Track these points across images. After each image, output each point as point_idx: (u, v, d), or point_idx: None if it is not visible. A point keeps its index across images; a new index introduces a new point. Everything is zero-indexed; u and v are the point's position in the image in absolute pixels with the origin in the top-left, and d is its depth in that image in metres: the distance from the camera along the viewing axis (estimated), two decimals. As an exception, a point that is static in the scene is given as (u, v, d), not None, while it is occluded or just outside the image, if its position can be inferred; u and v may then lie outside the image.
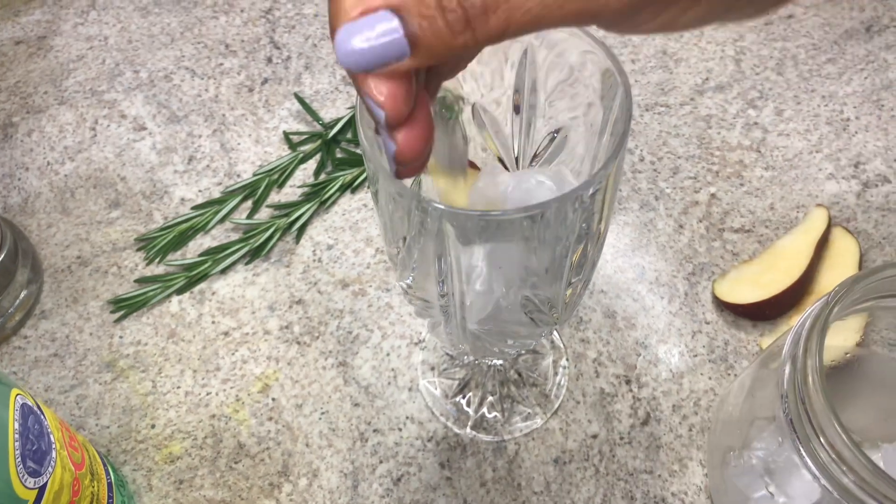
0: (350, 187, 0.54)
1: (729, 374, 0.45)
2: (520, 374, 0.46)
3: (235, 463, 0.43)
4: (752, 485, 0.35)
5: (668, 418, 0.44)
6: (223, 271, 0.51)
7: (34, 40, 0.65)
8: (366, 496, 0.42)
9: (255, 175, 0.55)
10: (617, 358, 0.46)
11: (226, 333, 0.48)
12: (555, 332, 0.47)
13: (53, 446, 0.33)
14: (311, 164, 0.56)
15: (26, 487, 0.30)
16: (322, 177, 0.55)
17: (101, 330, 0.49)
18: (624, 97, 0.26)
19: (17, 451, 0.30)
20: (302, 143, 0.57)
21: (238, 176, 0.56)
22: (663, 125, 0.57)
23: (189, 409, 0.45)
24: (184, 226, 0.52)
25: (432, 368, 0.46)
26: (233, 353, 0.47)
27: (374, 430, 0.44)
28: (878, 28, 0.62)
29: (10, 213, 0.54)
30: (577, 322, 0.48)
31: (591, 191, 0.24)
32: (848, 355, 0.38)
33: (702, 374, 0.45)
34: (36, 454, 0.31)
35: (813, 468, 0.29)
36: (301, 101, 0.58)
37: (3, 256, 0.48)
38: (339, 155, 0.56)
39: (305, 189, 0.54)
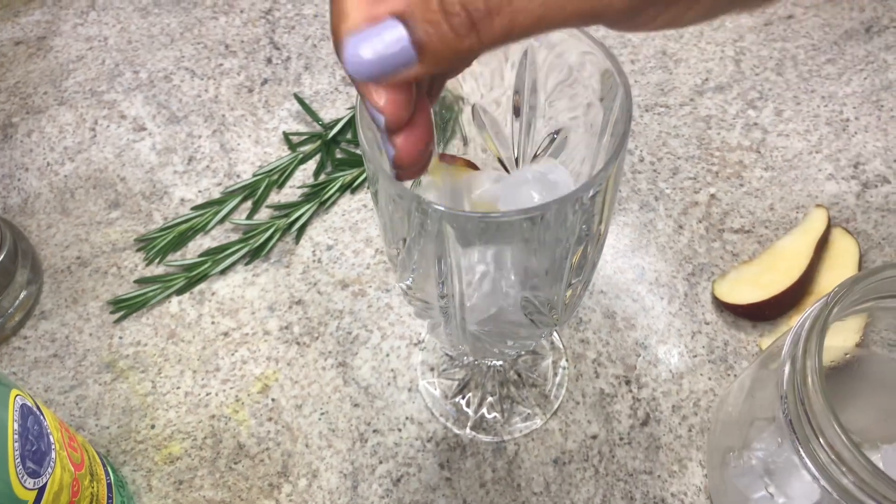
0: (350, 188, 0.54)
1: (728, 375, 0.45)
2: (519, 375, 0.46)
3: (235, 463, 0.43)
4: (751, 485, 0.35)
5: (668, 419, 0.44)
6: (223, 272, 0.51)
7: (34, 41, 0.65)
8: (365, 497, 0.42)
9: (254, 175, 0.55)
10: (616, 358, 0.46)
11: (225, 334, 0.48)
12: (554, 333, 0.47)
13: (53, 447, 0.33)
14: (311, 165, 0.56)
15: (26, 488, 0.30)
16: (322, 177, 0.55)
17: (100, 330, 0.49)
18: (624, 98, 0.26)
19: (17, 452, 0.30)
20: (302, 143, 0.57)
21: (238, 176, 0.56)
22: (663, 126, 0.57)
23: (189, 410, 0.45)
24: (183, 226, 0.52)
25: (432, 369, 0.46)
26: (232, 354, 0.47)
27: (374, 431, 0.44)
28: (878, 29, 0.62)
29: (9, 214, 0.54)
30: (576, 323, 0.48)
31: (591, 192, 0.24)
32: (847, 356, 0.38)
33: (701, 374, 0.45)
34: (35, 455, 0.31)
35: (812, 469, 0.29)
36: (301, 101, 0.58)
37: (2, 257, 0.48)
38: (338, 155, 0.56)
39: (305, 189, 0.54)
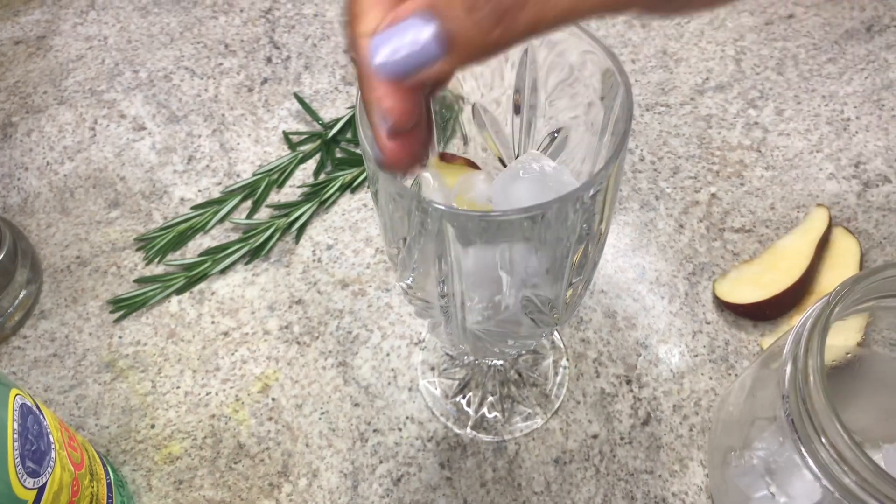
0: (350, 187, 0.54)
1: (729, 374, 0.45)
2: (520, 375, 0.46)
3: (235, 463, 0.43)
4: (752, 485, 0.35)
5: (669, 418, 0.44)
6: (223, 271, 0.51)
7: (33, 40, 0.65)
8: (366, 496, 0.42)
9: (254, 175, 0.55)
10: (617, 358, 0.46)
11: (225, 333, 0.48)
12: (555, 333, 0.47)
13: (53, 446, 0.33)
14: (311, 164, 0.56)
15: (25, 488, 0.30)
16: (322, 177, 0.55)
17: (100, 330, 0.49)
18: (625, 97, 0.26)
19: (17, 452, 0.30)
20: (301, 142, 0.57)
21: (238, 176, 0.56)
22: (663, 125, 0.57)
23: (189, 410, 0.45)
24: (183, 226, 0.52)
25: (432, 368, 0.46)
26: (232, 354, 0.47)
27: (374, 431, 0.44)
28: (879, 28, 0.62)
29: (9, 213, 0.54)
30: (577, 322, 0.48)
31: (591, 191, 0.24)
32: (849, 355, 0.38)
33: (702, 374, 0.45)
34: (35, 454, 0.31)
35: (814, 468, 0.29)
36: (301, 100, 0.58)
37: (2, 256, 0.47)
38: (338, 155, 0.56)
39: (305, 189, 0.54)
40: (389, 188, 0.25)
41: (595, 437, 0.43)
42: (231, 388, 0.46)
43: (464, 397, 0.45)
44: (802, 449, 0.29)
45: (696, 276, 0.49)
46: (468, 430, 0.44)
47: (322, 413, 0.45)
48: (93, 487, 0.36)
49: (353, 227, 0.53)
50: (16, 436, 0.30)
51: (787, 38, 0.62)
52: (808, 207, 0.52)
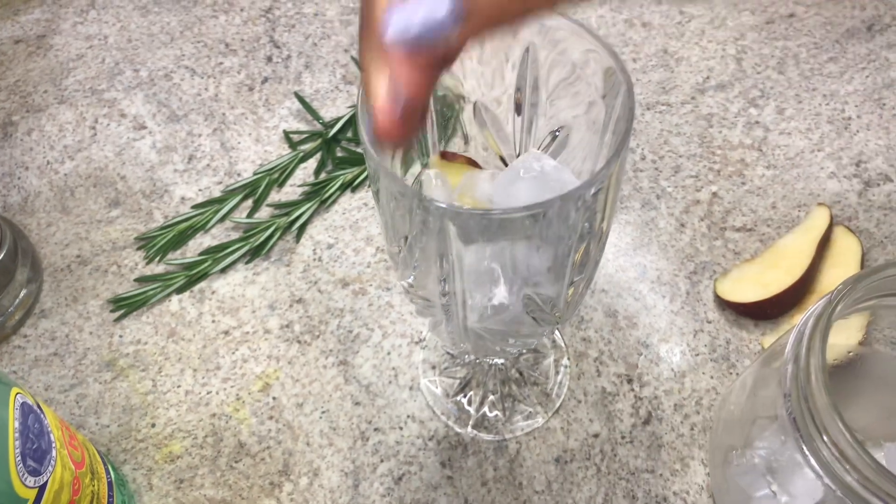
0: (350, 186, 0.54)
1: (731, 373, 0.45)
2: (521, 373, 0.46)
3: (236, 462, 0.43)
4: (754, 484, 0.35)
5: (670, 417, 0.44)
6: (223, 270, 0.51)
7: (34, 39, 0.65)
8: (367, 495, 0.42)
9: (255, 174, 0.55)
10: (618, 357, 0.46)
11: (226, 332, 0.48)
12: (556, 332, 0.47)
13: (53, 445, 0.33)
14: (312, 163, 0.56)
15: (26, 486, 0.30)
16: (322, 176, 0.55)
17: (100, 329, 0.49)
18: (626, 96, 0.26)
19: (18, 450, 0.30)
20: (302, 142, 0.56)
21: (238, 175, 0.56)
22: (665, 124, 0.57)
23: (189, 408, 0.45)
24: (184, 225, 0.52)
25: (433, 367, 0.46)
26: (233, 352, 0.47)
27: (375, 429, 0.44)
28: (880, 27, 0.62)
29: (9, 213, 0.54)
30: (578, 321, 0.48)
31: (593, 190, 0.24)
32: (850, 354, 0.38)
33: (703, 373, 0.45)
34: (36, 453, 0.31)
35: (816, 467, 0.29)
36: (301, 100, 0.58)
37: (2, 255, 0.47)
38: (339, 154, 0.56)
39: (306, 188, 0.54)
40: (391, 187, 0.25)
41: (596, 436, 0.43)
42: (232, 387, 0.46)
43: (465, 396, 0.45)
44: (804, 447, 0.29)
45: (697, 275, 0.49)
46: (469, 428, 0.44)
47: (323, 412, 0.45)
48: (94, 486, 0.36)
49: (353, 225, 0.52)
50: (17, 434, 0.30)
51: (788, 37, 0.62)
52: (810, 206, 0.52)
